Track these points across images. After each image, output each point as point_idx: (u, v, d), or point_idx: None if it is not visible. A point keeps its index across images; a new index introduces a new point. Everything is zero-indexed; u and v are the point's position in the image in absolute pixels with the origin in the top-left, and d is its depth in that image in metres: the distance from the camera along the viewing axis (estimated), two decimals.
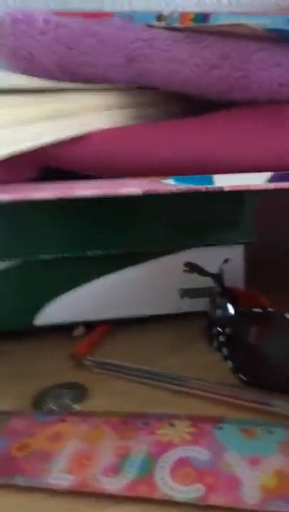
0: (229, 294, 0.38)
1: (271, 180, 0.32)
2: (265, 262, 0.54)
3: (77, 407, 0.32)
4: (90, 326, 0.42)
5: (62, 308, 0.41)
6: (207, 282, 0.39)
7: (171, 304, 0.42)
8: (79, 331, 0.42)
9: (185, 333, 0.39)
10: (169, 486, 0.23)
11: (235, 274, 0.40)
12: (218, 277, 0.37)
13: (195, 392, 0.32)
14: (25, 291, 0.40)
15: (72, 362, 0.37)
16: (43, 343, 0.40)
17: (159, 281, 0.41)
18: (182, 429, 0.27)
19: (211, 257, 0.40)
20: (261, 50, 0.35)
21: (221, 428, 0.27)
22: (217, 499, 0.22)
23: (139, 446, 0.26)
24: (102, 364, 0.36)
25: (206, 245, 0.41)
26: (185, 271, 0.39)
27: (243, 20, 0.33)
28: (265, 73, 0.35)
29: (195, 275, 0.39)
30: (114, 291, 0.41)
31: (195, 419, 0.28)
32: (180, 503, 0.22)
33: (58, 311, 0.41)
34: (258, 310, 0.31)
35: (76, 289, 0.41)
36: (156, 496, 0.23)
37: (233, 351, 0.32)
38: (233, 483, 0.23)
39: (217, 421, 0.27)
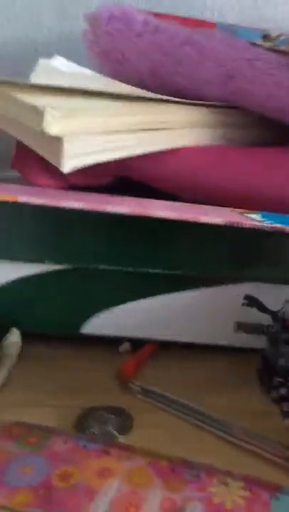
0: None
1: None
2: None
3: (121, 437, 0.30)
4: (136, 343, 0.40)
5: (112, 321, 0.39)
6: (265, 319, 0.37)
7: (225, 336, 0.39)
8: (125, 347, 0.40)
9: (236, 371, 0.37)
10: None
11: None
12: (281, 319, 0.34)
13: (244, 445, 0.29)
14: (76, 297, 0.39)
15: (118, 381, 0.36)
16: (87, 354, 0.38)
17: (216, 309, 0.39)
18: (235, 491, 0.25)
19: (273, 294, 0.38)
20: None
21: (277, 499, 0.25)
22: None
23: (191, 504, 0.24)
24: (148, 392, 0.34)
25: (271, 282, 0.38)
26: (244, 304, 0.37)
27: None
28: None
29: (254, 310, 0.37)
30: (167, 312, 0.39)
31: (250, 482, 0.26)
32: None
33: (107, 322, 0.39)
34: None
35: (129, 303, 0.39)
36: None
37: None
38: None
39: (274, 489, 0.25)
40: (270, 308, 0.36)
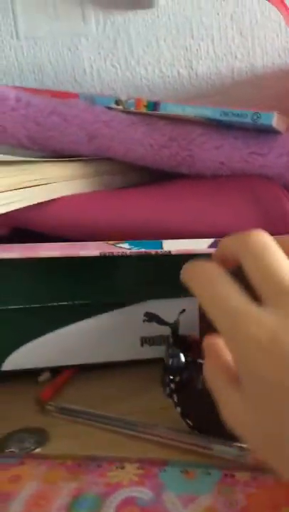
0: (183, 343, 0.41)
1: (212, 246, 0.37)
2: None
3: (37, 450, 0.34)
4: (55, 371, 0.44)
5: (29, 355, 0.43)
6: (166, 331, 0.43)
7: (133, 351, 0.45)
8: (44, 377, 0.44)
9: (144, 379, 0.42)
10: None
11: (192, 324, 0.44)
12: (173, 327, 0.40)
13: (145, 436, 0.35)
14: None
15: (37, 407, 0.39)
16: (10, 388, 0.42)
17: (122, 329, 0.44)
18: (131, 471, 0.30)
19: (170, 308, 0.43)
20: (203, 134, 0.41)
21: (165, 470, 0.30)
22: None
23: (90, 487, 0.29)
24: (62, 409, 0.38)
25: (165, 297, 0.44)
26: (145, 320, 0.43)
27: (186, 112, 0.39)
28: (207, 153, 0.41)
29: (154, 324, 0.42)
30: (79, 339, 0.43)
31: (143, 462, 0.31)
32: None
33: (25, 357, 0.43)
34: (202, 361, 0.35)
35: (43, 336, 0.43)
36: None
37: (181, 398, 0.35)
38: None
39: (162, 464, 0.30)
40: (168, 321, 0.42)
